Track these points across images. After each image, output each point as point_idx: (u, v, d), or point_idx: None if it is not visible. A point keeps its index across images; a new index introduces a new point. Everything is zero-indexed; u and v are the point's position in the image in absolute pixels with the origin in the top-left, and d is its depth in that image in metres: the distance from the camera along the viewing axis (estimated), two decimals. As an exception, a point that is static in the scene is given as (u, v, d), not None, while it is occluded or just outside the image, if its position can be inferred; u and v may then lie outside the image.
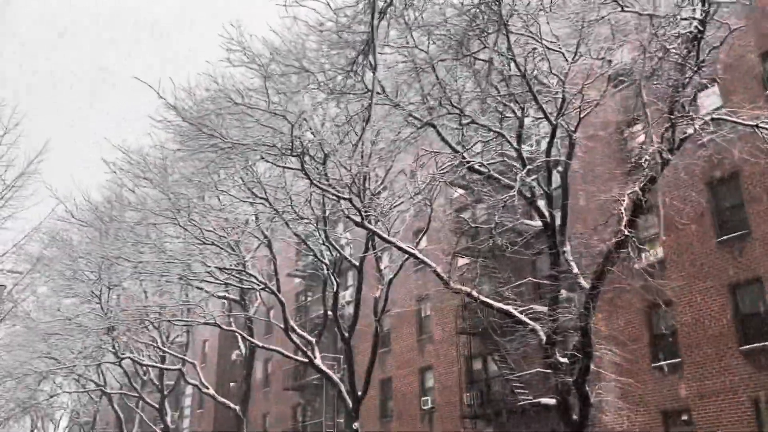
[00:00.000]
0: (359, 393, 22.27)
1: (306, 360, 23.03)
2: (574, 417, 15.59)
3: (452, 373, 27.10)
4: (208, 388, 28.58)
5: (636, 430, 19.46)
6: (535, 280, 20.36)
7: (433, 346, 28.62)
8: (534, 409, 22.67)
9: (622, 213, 13.22)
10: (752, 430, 17.22)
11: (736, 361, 17.85)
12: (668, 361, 19.28)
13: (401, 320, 29.83)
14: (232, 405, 28.51)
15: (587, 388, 15.40)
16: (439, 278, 17.63)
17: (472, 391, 25.52)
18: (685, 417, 18.70)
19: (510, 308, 17.54)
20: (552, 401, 21.87)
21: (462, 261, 20.93)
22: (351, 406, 22.33)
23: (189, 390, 49.92)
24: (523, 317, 17.14)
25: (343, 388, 22.77)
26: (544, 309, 16.71)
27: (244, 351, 29.05)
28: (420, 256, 18.08)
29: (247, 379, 27.96)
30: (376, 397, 29.78)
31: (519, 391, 22.95)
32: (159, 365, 30.49)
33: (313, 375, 34.56)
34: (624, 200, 13.37)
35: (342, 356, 27.91)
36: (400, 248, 18.24)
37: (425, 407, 27.96)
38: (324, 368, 23.17)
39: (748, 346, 17.75)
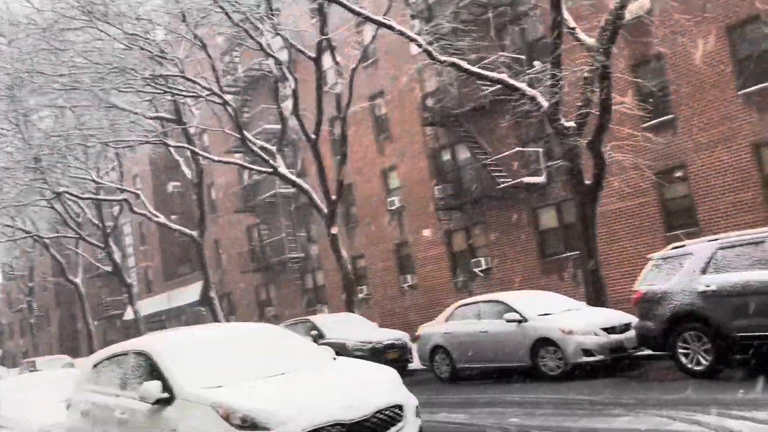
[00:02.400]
0: (333, 197, 20.74)
1: (270, 170, 21.07)
2: (587, 182, 14.57)
3: (418, 169, 25.85)
4: (159, 216, 26.49)
5: (631, 191, 18.94)
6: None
7: (393, 145, 27.04)
8: (513, 190, 21.86)
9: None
10: (752, 176, 16.80)
11: (735, 107, 17.02)
12: (661, 119, 18.31)
13: (355, 123, 27.81)
14: (188, 231, 26.72)
15: (602, 149, 14.24)
16: (425, 51, 15.52)
17: (442, 184, 24.44)
18: (679, 173, 18.16)
19: (504, 77, 15.82)
20: (537, 179, 21.07)
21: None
22: (326, 211, 20.88)
23: (128, 229, 47.70)
24: (520, 84, 15.49)
25: (314, 195, 21.16)
26: (543, 72, 15.05)
27: (190, 173, 26.71)
28: (397, 26, 15.76)
29: (200, 199, 25.91)
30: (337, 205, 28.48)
31: (497, 174, 21.95)
32: (101, 197, 27.92)
33: (265, 193, 32.85)
34: None
35: (294, 171, 26.11)
36: (372, 20, 15.81)
37: (392, 208, 26.97)
38: (290, 176, 21.35)
39: (746, 90, 16.84)
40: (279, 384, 5.98)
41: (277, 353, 6.86)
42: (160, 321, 40.65)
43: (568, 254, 20.84)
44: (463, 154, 24.36)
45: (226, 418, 5.45)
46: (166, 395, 6.07)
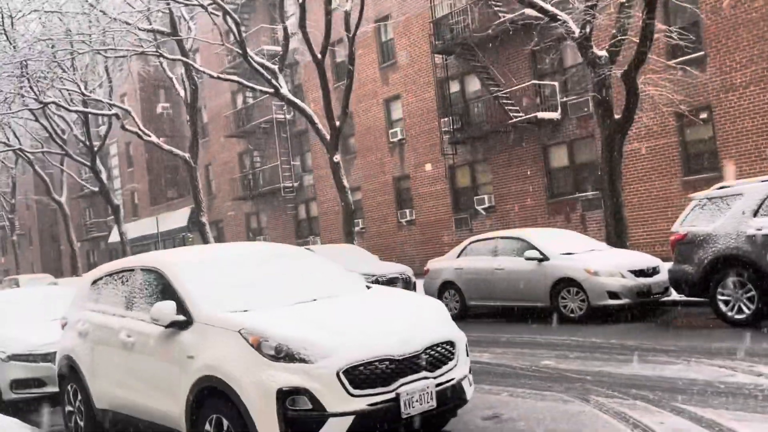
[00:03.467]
0: (337, 123, 19.70)
1: (271, 90, 19.90)
2: (616, 116, 13.70)
3: (424, 100, 24.76)
4: (150, 136, 25.29)
5: (652, 131, 18.12)
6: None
7: (398, 74, 25.84)
8: (523, 126, 20.94)
9: None
10: (781, 122, 16.01)
11: (771, 48, 16.08)
12: (690, 56, 17.32)
13: (358, 48, 26.47)
14: (180, 152, 25.59)
15: (638, 81, 13.31)
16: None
17: (450, 116, 23.41)
18: (704, 114, 17.31)
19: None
20: (551, 114, 20.12)
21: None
22: (328, 137, 19.87)
23: (113, 149, 46.33)
24: (551, 8, 14.39)
25: (317, 120, 20.09)
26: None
27: (183, 92, 25.38)
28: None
29: (193, 120, 24.68)
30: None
31: (509, 107, 20.96)
32: (90, 110, 26.55)
33: (259, 119, 31.64)
34: None
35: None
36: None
37: (393, 140, 25.98)
38: (292, 97, 20.21)
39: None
40: (315, 311, 5.18)
41: (306, 277, 6.06)
42: (145, 245, 39.82)
43: (578, 195, 20.13)
44: (473, 86, 23.28)
45: (257, 347, 4.66)
46: (182, 318, 5.26)
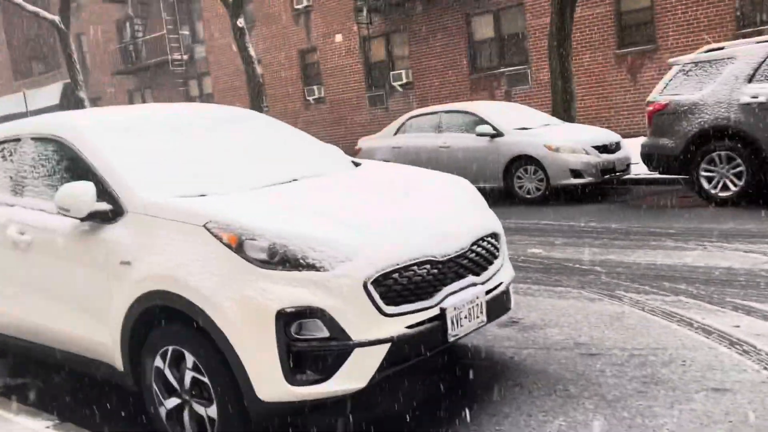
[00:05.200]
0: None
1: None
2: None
3: (332, -39, 22.22)
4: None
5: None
6: None
7: (302, -71, 22.95)
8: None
9: None
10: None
11: None
12: None
13: None
14: (48, 15, 21.92)
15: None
16: None
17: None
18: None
19: None
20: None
21: None
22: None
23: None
24: None
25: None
26: None
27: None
28: None
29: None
30: None
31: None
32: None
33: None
34: None
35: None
36: None
37: (298, 6, 23.42)
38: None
39: None
40: (308, 195, 3.59)
41: (274, 148, 4.42)
42: (12, 126, 35.38)
43: (503, 70, 18.89)
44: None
45: (237, 247, 3.07)
46: (107, 206, 3.55)
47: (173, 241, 3.27)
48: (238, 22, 17.08)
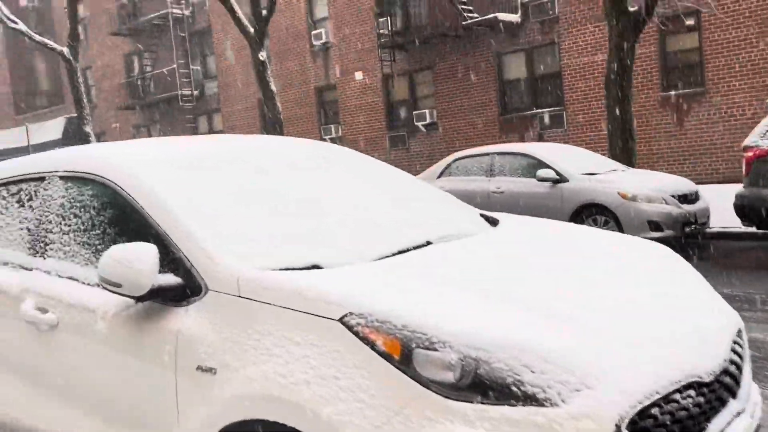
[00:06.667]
0: (263, 12, 16.21)
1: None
2: (631, 8, 11.35)
3: (354, -3, 21.47)
4: (17, 23, 20.52)
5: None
6: None
7: (323, -36, 22.29)
8: (475, 29, 18.31)
9: None
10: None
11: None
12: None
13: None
14: (57, 46, 21.02)
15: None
16: None
17: (388, 16, 20.31)
18: (690, 21, 15.36)
19: None
20: (510, 17, 17.58)
21: None
22: (252, 31, 16.38)
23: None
24: None
25: (237, 8, 16.49)
26: None
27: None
28: None
29: (73, 6, 20.16)
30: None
31: (463, 7, 18.17)
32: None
33: (151, 13, 27.03)
34: None
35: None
36: None
37: (317, 42, 22.60)
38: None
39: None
40: (480, 270, 2.40)
41: (385, 196, 3.23)
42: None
43: (535, 111, 17.94)
44: (415, -18, 20.23)
45: (403, 360, 1.90)
46: (176, 280, 2.37)
47: (287, 342, 2.08)
48: (260, 56, 16.13)
